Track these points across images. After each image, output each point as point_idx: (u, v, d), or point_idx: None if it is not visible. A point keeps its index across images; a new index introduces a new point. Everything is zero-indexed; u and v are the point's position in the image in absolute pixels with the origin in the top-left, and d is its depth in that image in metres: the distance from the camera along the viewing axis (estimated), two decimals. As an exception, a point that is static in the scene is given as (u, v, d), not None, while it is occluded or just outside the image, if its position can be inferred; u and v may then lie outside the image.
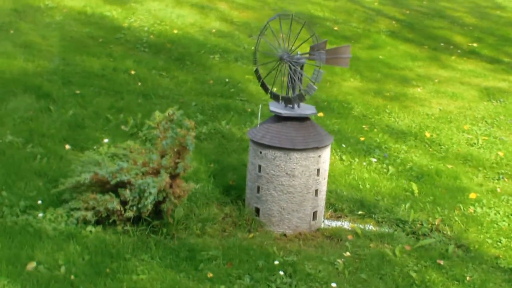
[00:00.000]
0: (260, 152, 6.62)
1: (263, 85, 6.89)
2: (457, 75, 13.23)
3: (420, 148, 9.22)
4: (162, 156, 6.31)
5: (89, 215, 6.09)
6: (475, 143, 9.64)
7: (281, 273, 5.77)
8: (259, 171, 6.66)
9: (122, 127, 8.23)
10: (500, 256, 6.69)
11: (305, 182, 6.63)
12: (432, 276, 6.16)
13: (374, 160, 8.50)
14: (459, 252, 6.69)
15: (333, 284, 5.76)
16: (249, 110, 9.41)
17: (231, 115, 9.12)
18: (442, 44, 15.61)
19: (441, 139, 9.60)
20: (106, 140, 7.68)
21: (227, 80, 10.24)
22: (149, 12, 12.60)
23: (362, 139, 9.20)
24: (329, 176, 7.53)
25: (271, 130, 6.63)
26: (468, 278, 6.21)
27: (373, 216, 7.21)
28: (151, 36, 11.49)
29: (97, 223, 6.16)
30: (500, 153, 9.34)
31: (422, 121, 10.25)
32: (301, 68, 6.64)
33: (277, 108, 6.70)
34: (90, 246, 5.83)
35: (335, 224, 7.05)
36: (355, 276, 5.99)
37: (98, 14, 11.98)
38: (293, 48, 6.64)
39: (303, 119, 6.68)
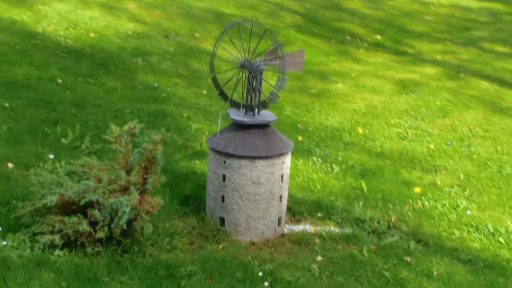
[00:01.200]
0: (225, 162, 6.51)
1: (222, 94, 6.77)
2: (370, 68, 13.59)
3: (356, 145, 9.41)
4: (127, 172, 6.08)
5: (57, 238, 5.77)
6: (405, 137, 9.95)
7: (266, 284, 5.71)
8: (224, 180, 6.55)
9: (62, 140, 7.86)
10: (458, 248, 6.95)
11: (270, 188, 6.59)
12: (403, 273, 6.31)
13: (319, 160, 8.58)
14: (420, 248, 6.89)
15: (321, 291, 5.78)
16: (185, 115, 9.23)
17: (169, 121, 8.92)
18: (348, 37, 15.98)
19: (374, 135, 9.83)
20: (51, 156, 7.30)
21: (156, 84, 10.01)
22: (60, 15, 12.08)
23: (300, 138, 9.27)
24: (281, 179, 7.54)
25: (234, 138, 6.53)
26: (435, 272, 6.41)
27: (332, 217, 7.28)
28: (68, 41, 11.03)
29: (63, 246, 5.85)
30: (431, 146, 9.70)
31: (351, 117, 10.45)
32: (261, 75, 6.58)
33: (237, 116, 6.61)
34: (64, 272, 5.53)
35: (297, 228, 7.05)
36: (333, 281, 6.03)
37: (7, 19, 11.35)
38: (252, 56, 6.56)
39: (264, 126, 6.63)
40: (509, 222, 7.58)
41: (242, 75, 6.60)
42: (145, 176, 6.02)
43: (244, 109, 6.64)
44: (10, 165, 7.13)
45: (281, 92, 6.44)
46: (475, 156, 9.50)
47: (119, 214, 5.70)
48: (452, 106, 11.57)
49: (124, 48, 11.11)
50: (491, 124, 10.92)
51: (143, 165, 6.02)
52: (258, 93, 6.60)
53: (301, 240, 6.74)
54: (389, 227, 7.22)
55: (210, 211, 6.78)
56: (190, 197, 7.16)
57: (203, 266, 5.90)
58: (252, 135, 6.54)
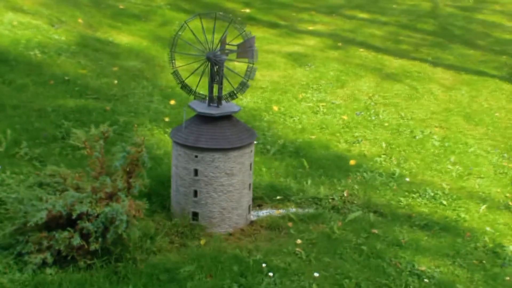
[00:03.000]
0: (196, 156, 6.43)
1: (185, 87, 6.65)
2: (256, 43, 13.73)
3: (278, 123, 9.59)
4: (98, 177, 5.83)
5: (48, 256, 5.45)
6: (318, 111, 10.27)
7: (271, 274, 5.77)
8: (196, 175, 6.47)
9: (-4, 148, 7.33)
10: (412, 214, 7.38)
11: (241, 178, 6.61)
12: (377, 245, 6.61)
13: (255, 142, 8.65)
14: (379, 218, 7.24)
15: (316, 274, 5.92)
16: (108, 108, 8.90)
17: (95, 116, 8.56)
18: (221, 13, 15.97)
19: (289, 111, 10.06)
20: (-3, 167, 6.81)
21: (66, 78, 9.50)
22: None
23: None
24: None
25: (203, 132, 6.45)
26: (403, 241, 6.78)
27: (290, 198, 7.42)
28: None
29: (52, 263, 5.53)
30: (344, 117, 10.10)
31: (262, 95, 10.59)
32: (223, 66, 6.54)
33: (203, 108, 6.52)
34: (68, 292, 5.26)
35: (261, 213, 7.13)
36: (321, 262, 6.19)
37: None
38: (215, 47, 6.49)
39: (229, 117, 6.61)
40: (444, 185, 8.16)
41: (204, 67, 6.53)
42: (129, 180, 5.82)
43: (208, 101, 6.58)
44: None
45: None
46: (386, 124, 10.04)
47: (116, 223, 5.48)
48: (345, 76, 12.06)
49: (17, 41, 10.41)
50: (385, 91, 11.54)
51: (127, 169, 5.82)
52: (221, 84, 6.56)
53: (273, 226, 6.84)
54: (344, 202, 7.50)
55: (179, 207, 6.67)
56: (151, 194, 6.98)
57: (199, 265, 5.84)
58: (221, 127, 6.49)
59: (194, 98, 6.67)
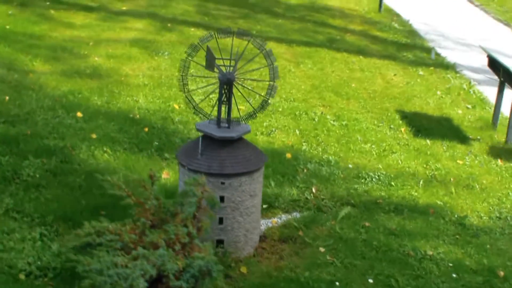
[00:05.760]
0: (223, 183, 6.20)
1: (200, 111, 6.31)
2: (91, 33, 12.97)
3: (190, 123, 9.35)
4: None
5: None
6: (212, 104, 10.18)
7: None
8: (222, 202, 6.25)
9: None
10: (377, 201, 7.88)
11: (260, 197, 6.55)
12: (380, 238, 7.05)
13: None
14: (356, 210, 7.62)
15: (371, 280, 6.19)
16: (28, 132, 7.95)
17: (23, 145, 7.61)
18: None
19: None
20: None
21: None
22: None
23: (146, 130, 8.83)
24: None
25: (224, 156, 6.23)
26: (393, 229, 7.29)
27: (274, 205, 7.47)
28: None
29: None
30: (241, 107, 10.15)
31: (152, 93, 10.17)
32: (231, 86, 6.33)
33: (218, 132, 6.27)
34: None
35: (262, 227, 7.09)
36: (357, 267, 6.44)
37: None
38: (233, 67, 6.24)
39: (241, 138, 6.46)
40: (380, 166, 8.79)
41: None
42: (198, 225, 5.49)
43: (217, 122, 6.31)
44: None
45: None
46: (280, 109, 10.34)
47: (213, 274, 5.17)
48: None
49: None
50: (251, 74, 11.75)
51: (193, 214, 5.47)
52: (231, 104, 6.36)
53: (285, 237, 6.88)
54: (318, 199, 7.73)
55: (201, 238, 6.38)
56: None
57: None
58: (240, 149, 6.33)
59: (209, 122, 6.34)
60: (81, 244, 5.34)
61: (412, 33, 17.12)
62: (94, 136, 8.20)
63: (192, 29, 14.00)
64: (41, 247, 5.82)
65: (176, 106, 9.78)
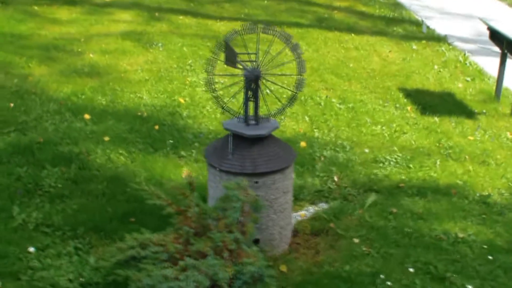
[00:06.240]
0: (257, 182, 6.09)
1: (228, 111, 6.17)
2: (80, 28, 12.68)
3: (198, 118, 9.19)
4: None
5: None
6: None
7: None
8: (256, 201, 6.15)
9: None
10: (399, 185, 7.84)
11: (291, 192, 6.47)
12: (409, 223, 7.01)
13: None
14: (380, 196, 7.57)
15: (411, 269, 6.16)
16: (41, 140, 7.74)
17: (38, 154, 7.41)
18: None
19: (198, 101, 9.68)
20: None
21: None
22: None
23: (156, 127, 8.67)
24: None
25: (255, 155, 6.12)
26: (420, 212, 7.25)
27: (300, 198, 7.39)
28: None
29: None
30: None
31: (156, 88, 9.98)
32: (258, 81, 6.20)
33: (245, 130, 6.14)
34: None
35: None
36: (393, 256, 6.40)
37: None
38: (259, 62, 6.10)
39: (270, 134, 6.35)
40: (394, 148, 8.73)
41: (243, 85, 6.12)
42: (243, 229, 5.38)
43: (245, 120, 6.19)
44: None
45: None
46: (284, 96, 10.21)
47: (265, 280, 5.09)
48: (203, 50, 11.82)
49: None
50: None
51: (240, 218, 5.37)
52: (258, 101, 6.23)
53: (316, 230, 6.81)
54: (340, 188, 7.68)
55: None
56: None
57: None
58: (270, 145, 6.22)
59: (238, 120, 6.21)
60: (125, 258, 5.21)
61: (397, 5, 17.06)
62: (107, 138, 8.02)
63: (181, 17, 13.78)
64: (79, 262, 5.68)
65: (182, 100, 9.62)
